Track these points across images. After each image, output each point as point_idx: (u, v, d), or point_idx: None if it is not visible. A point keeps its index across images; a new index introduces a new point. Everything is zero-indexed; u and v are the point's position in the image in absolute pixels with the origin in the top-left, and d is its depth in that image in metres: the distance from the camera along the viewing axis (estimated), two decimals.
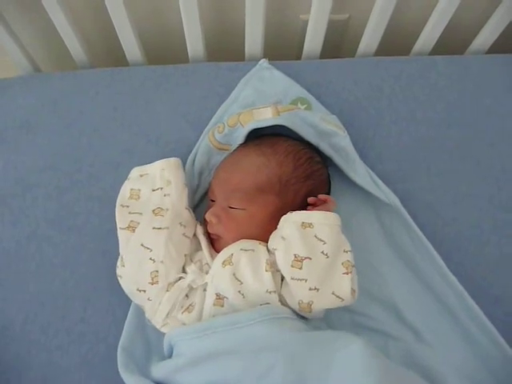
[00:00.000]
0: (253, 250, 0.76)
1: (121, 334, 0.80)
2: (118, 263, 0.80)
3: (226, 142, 0.91)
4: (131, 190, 0.84)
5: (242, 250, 0.76)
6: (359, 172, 0.89)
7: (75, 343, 0.84)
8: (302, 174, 0.82)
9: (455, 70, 1.10)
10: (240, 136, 0.88)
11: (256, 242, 0.78)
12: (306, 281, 0.71)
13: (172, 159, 0.85)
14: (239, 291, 0.73)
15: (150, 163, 0.86)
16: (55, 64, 1.29)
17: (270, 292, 0.73)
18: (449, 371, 0.78)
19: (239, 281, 0.73)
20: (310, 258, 0.72)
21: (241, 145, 0.89)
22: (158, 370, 0.72)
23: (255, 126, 0.87)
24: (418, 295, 0.86)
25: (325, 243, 0.73)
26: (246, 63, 1.10)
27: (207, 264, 0.79)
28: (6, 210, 0.95)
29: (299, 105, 0.97)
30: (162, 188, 0.83)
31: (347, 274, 0.72)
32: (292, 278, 0.72)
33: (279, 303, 0.73)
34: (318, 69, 1.09)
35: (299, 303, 0.72)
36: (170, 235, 0.78)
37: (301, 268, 0.72)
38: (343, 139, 0.90)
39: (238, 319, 0.70)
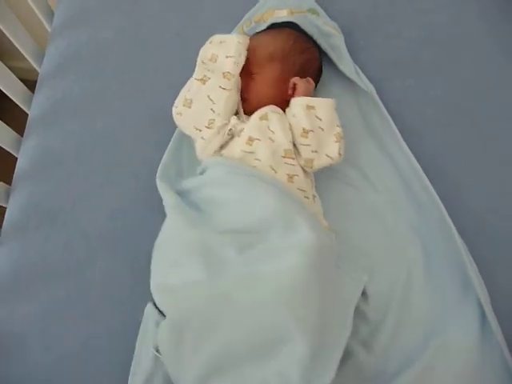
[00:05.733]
0: (280, 114, 1.01)
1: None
2: (181, 104, 1.02)
3: (251, 34, 1.18)
4: (212, 54, 1.02)
5: (272, 112, 1.00)
6: (347, 64, 1.16)
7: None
8: (298, 48, 1.09)
9: None
10: (262, 29, 1.17)
11: (281, 111, 1.02)
12: (309, 145, 0.99)
13: (246, 37, 1.06)
14: (269, 137, 0.97)
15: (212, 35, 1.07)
16: None
17: (291, 142, 0.98)
18: (393, 214, 1.07)
19: (271, 131, 0.98)
20: (313, 131, 0.99)
21: (257, 32, 1.17)
22: (188, 182, 1.02)
23: (273, 21, 1.15)
24: (381, 162, 1.11)
25: (321, 121, 0.99)
26: None
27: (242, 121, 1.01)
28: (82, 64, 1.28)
29: (310, 14, 1.23)
30: (234, 56, 1.01)
31: (337, 142, 1.00)
32: (300, 144, 0.99)
33: (293, 154, 0.98)
34: None
35: (305, 160, 0.99)
36: (229, 96, 1.00)
37: (306, 137, 0.99)
38: (338, 39, 1.18)
39: (260, 174, 0.94)
